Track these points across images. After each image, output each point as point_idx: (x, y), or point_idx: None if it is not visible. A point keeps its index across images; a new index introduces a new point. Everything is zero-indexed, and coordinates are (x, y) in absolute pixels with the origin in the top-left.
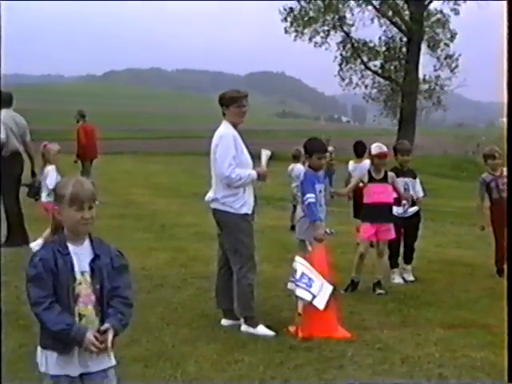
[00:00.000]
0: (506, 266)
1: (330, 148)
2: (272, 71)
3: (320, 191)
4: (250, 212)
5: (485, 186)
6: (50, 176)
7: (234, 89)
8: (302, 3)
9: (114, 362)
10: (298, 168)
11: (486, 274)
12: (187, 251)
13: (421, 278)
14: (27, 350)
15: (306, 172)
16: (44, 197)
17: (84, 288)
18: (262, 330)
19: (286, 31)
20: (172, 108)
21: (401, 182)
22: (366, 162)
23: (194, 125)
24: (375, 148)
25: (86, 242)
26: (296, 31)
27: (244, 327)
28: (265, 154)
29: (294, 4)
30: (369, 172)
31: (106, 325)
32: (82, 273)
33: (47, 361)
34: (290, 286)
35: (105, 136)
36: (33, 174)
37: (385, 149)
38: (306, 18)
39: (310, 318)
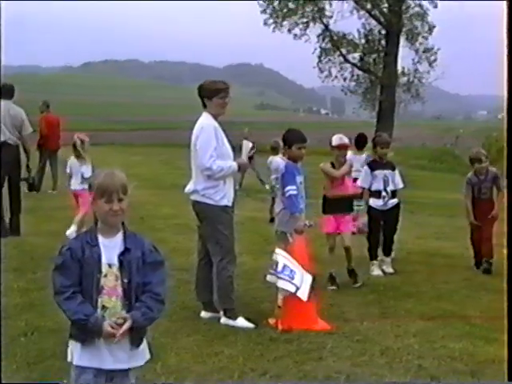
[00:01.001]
0: (506, 268)
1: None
2: (250, 63)
3: (300, 182)
4: (230, 204)
5: (470, 186)
6: (87, 165)
7: (212, 80)
8: None
9: (139, 362)
10: (277, 160)
11: (465, 265)
12: (167, 243)
13: (400, 269)
14: (4, 344)
15: (287, 164)
16: (77, 184)
17: (110, 280)
18: (241, 322)
19: (265, 23)
20: (150, 98)
21: (380, 174)
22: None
23: (173, 116)
24: (336, 139)
25: (119, 235)
26: (275, 23)
27: (223, 319)
28: (246, 145)
29: None
30: (331, 164)
31: (124, 315)
32: (110, 265)
33: (74, 351)
34: (270, 278)
35: (83, 127)
36: (27, 167)
37: (346, 140)
38: (285, 10)
39: (289, 310)
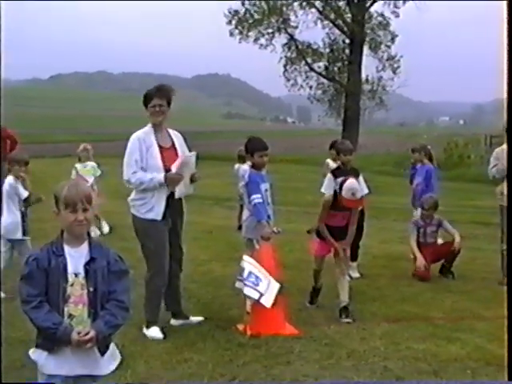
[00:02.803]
0: (506, 267)
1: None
2: (218, 73)
3: (266, 190)
4: (158, 218)
5: (416, 229)
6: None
7: (153, 88)
8: (247, 6)
9: (106, 370)
10: (244, 168)
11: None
12: (135, 252)
13: (366, 273)
14: None
15: (250, 173)
16: None
17: (76, 289)
18: (153, 332)
19: (231, 34)
20: (118, 110)
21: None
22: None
23: (140, 127)
24: (347, 192)
25: (85, 245)
26: (241, 33)
27: (144, 330)
28: (184, 158)
29: (239, 7)
30: (335, 196)
31: (86, 328)
32: (76, 274)
33: (40, 359)
34: (238, 284)
35: (52, 139)
36: None
37: (358, 196)
38: (250, 21)
39: (257, 315)
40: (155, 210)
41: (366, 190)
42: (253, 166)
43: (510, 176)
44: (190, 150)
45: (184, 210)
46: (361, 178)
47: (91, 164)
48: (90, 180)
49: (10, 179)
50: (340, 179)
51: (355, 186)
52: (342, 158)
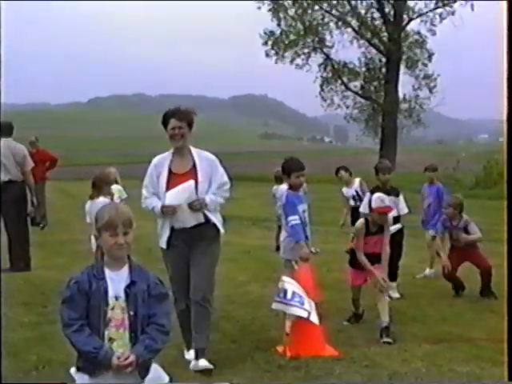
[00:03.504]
0: (506, 267)
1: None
2: (254, 94)
3: (303, 211)
4: (163, 246)
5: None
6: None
7: (170, 109)
8: (283, 26)
9: None
10: (282, 189)
11: (468, 288)
12: None
13: (406, 294)
14: (16, 377)
15: (288, 194)
16: None
17: (117, 313)
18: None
19: (267, 55)
20: (156, 131)
21: None
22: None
23: None
24: (376, 201)
25: (125, 268)
26: (277, 54)
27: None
28: (185, 188)
29: (275, 28)
30: (366, 223)
31: (127, 353)
32: (117, 298)
33: (81, 382)
34: (276, 305)
35: (91, 162)
36: (31, 203)
37: (387, 202)
38: (286, 41)
39: (297, 336)
40: (162, 237)
41: (406, 209)
42: (290, 187)
43: (510, 176)
44: (226, 171)
45: (209, 237)
46: (401, 197)
47: (117, 187)
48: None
49: (101, 200)
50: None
51: (381, 195)
52: (381, 177)
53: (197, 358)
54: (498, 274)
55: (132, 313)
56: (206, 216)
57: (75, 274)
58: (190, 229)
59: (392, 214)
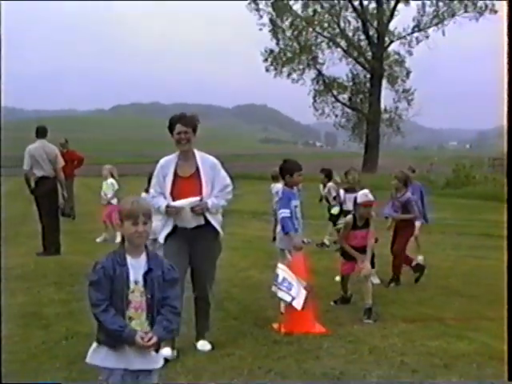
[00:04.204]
0: (506, 267)
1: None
2: (255, 103)
3: (296, 206)
4: (161, 241)
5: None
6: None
7: (177, 114)
8: (281, 45)
9: (159, 364)
10: (278, 186)
11: (440, 275)
12: None
13: (386, 279)
14: (48, 347)
15: (284, 190)
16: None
17: (136, 296)
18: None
19: (267, 70)
20: (168, 135)
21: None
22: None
23: None
24: (361, 196)
25: (143, 256)
26: (275, 69)
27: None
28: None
29: (274, 46)
30: (354, 218)
31: (149, 334)
32: (136, 282)
33: (102, 355)
34: (274, 288)
35: (112, 161)
36: (62, 196)
37: (370, 197)
38: (284, 59)
39: (291, 316)
40: (162, 233)
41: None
42: (286, 185)
43: (509, 176)
44: (227, 172)
45: (209, 238)
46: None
47: (110, 181)
48: (109, 194)
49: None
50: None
51: (365, 191)
52: (349, 178)
53: (198, 339)
54: (464, 264)
55: (149, 296)
56: (206, 218)
57: (100, 259)
58: (191, 229)
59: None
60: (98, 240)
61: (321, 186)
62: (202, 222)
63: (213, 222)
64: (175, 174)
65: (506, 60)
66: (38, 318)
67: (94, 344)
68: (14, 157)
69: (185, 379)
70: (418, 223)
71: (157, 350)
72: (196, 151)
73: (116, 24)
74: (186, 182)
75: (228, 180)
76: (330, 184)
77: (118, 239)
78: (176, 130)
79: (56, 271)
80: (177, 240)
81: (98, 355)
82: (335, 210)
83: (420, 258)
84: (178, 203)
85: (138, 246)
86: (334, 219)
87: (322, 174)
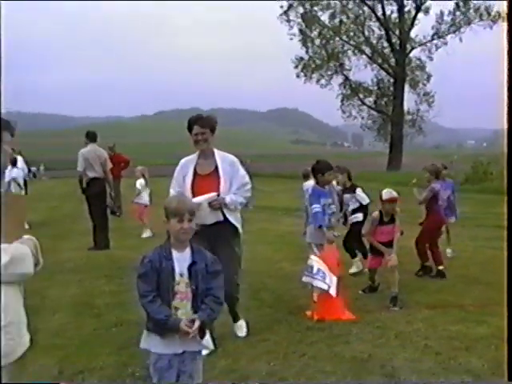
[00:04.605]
0: (506, 268)
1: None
2: (287, 107)
3: (328, 204)
4: None
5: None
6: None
7: (195, 115)
8: (310, 53)
9: (204, 350)
10: (309, 184)
11: (460, 264)
12: None
13: (410, 269)
14: (99, 333)
15: (313, 187)
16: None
17: (182, 287)
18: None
19: (298, 76)
20: None
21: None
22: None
23: (223, 150)
24: (386, 193)
25: (188, 249)
26: (305, 75)
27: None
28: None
29: (304, 54)
30: (380, 214)
31: (194, 316)
32: (181, 275)
33: (152, 341)
34: (305, 279)
35: (156, 163)
36: (110, 196)
37: (395, 194)
38: (313, 66)
39: (322, 304)
40: None
41: (367, 199)
42: (317, 183)
43: (510, 176)
44: (247, 171)
45: (228, 236)
46: (358, 191)
47: (139, 181)
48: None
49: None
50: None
51: (389, 189)
52: (340, 179)
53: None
54: (481, 254)
55: (194, 287)
56: (225, 215)
57: (147, 253)
58: (210, 226)
59: (352, 207)
60: (142, 236)
61: (334, 182)
62: (221, 218)
63: (231, 218)
64: (195, 173)
65: (506, 60)
66: (89, 307)
67: (145, 331)
68: (66, 160)
69: (224, 363)
70: (451, 219)
71: (202, 337)
72: (216, 150)
73: (155, 36)
74: (205, 179)
75: (247, 178)
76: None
77: (145, 235)
78: (194, 131)
79: (106, 265)
80: (195, 238)
81: (148, 341)
82: None
83: (449, 251)
84: (195, 200)
85: (183, 242)
86: None
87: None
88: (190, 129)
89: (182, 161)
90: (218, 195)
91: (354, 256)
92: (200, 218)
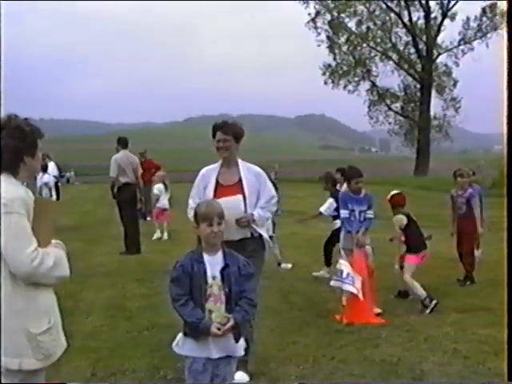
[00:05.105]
0: (505, 266)
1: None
2: (315, 113)
3: (360, 211)
4: None
5: (451, 200)
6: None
7: (220, 121)
8: (337, 60)
9: (238, 353)
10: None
11: (488, 268)
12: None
13: (439, 274)
14: (132, 336)
15: (343, 193)
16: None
17: (215, 290)
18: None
19: (325, 82)
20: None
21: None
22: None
23: (251, 157)
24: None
25: (219, 253)
26: (333, 82)
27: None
28: (230, 200)
29: (331, 61)
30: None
31: (228, 315)
32: (214, 277)
33: (187, 345)
34: (334, 283)
35: (185, 168)
36: (141, 201)
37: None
38: (340, 72)
39: (352, 307)
40: None
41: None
42: (350, 190)
43: (510, 176)
44: (272, 181)
45: (252, 249)
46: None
47: (157, 186)
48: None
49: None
50: None
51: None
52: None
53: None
54: (509, 258)
55: (227, 290)
56: (252, 230)
57: (180, 258)
58: (235, 241)
59: (328, 213)
60: (153, 237)
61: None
62: (248, 234)
63: (260, 231)
64: (217, 183)
65: (505, 60)
66: (122, 310)
67: (181, 335)
68: (99, 166)
69: (254, 366)
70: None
71: (237, 340)
72: (240, 160)
73: (185, 45)
74: (229, 190)
75: (273, 191)
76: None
77: (155, 236)
78: (216, 137)
79: (137, 268)
80: None
81: (183, 345)
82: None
83: (477, 255)
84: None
85: (214, 245)
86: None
87: (338, 173)
88: (214, 135)
89: (203, 170)
90: (244, 197)
91: (328, 264)
92: (226, 234)
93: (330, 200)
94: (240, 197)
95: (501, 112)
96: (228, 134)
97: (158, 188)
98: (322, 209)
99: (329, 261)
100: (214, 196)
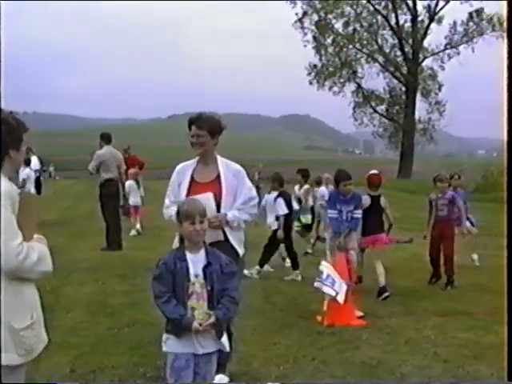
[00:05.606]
0: (505, 266)
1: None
2: (299, 113)
3: (346, 211)
4: None
5: (429, 203)
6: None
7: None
8: (323, 61)
9: (223, 348)
10: (321, 190)
11: (469, 273)
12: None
13: (420, 276)
14: (112, 332)
15: (331, 193)
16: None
17: (197, 287)
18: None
19: (311, 83)
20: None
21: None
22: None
23: (235, 157)
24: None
25: (202, 251)
26: (318, 82)
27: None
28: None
29: (317, 62)
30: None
31: (210, 312)
32: (196, 275)
33: (169, 342)
34: (317, 284)
35: (169, 165)
36: (123, 196)
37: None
38: (326, 73)
39: (333, 309)
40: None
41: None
42: (338, 192)
43: (510, 176)
44: (251, 180)
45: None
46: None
47: (128, 182)
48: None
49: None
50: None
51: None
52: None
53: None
54: (492, 262)
55: (209, 288)
56: (225, 234)
57: (163, 256)
58: (215, 244)
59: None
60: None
61: (296, 186)
62: (221, 237)
63: (231, 238)
64: (191, 180)
65: (505, 63)
66: (103, 306)
67: (164, 334)
68: (81, 161)
69: (236, 365)
70: (474, 230)
71: (219, 337)
72: (219, 157)
73: (171, 42)
74: (204, 188)
75: (254, 192)
76: (307, 186)
77: (132, 233)
78: (191, 132)
79: (120, 265)
80: None
81: (166, 343)
82: (307, 219)
83: (475, 258)
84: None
85: (196, 243)
86: (305, 229)
87: (299, 174)
88: (190, 128)
89: (179, 166)
90: (215, 195)
91: (295, 267)
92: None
93: (280, 200)
94: (210, 194)
95: (484, 118)
96: (202, 128)
97: (128, 185)
98: (281, 212)
99: (266, 260)
100: (188, 194)
